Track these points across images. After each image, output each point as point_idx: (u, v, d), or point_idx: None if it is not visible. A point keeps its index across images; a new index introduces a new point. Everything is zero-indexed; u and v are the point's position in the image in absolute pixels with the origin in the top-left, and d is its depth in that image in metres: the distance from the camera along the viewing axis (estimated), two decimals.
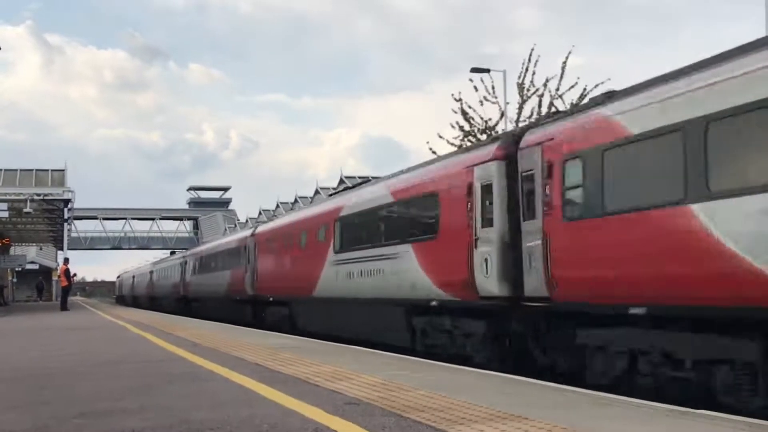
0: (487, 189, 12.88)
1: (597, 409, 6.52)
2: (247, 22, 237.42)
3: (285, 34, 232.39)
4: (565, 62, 30.86)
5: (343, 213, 19.66)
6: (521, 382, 8.52)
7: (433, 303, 14.46)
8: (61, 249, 54.15)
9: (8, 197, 41.45)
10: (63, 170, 44.85)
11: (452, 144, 32.61)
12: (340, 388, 7.52)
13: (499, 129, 31.48)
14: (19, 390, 8.00)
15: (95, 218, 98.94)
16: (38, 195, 42.01)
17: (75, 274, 48.68)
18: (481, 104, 31.53)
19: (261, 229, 29.01)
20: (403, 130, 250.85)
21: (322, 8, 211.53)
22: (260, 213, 65.90)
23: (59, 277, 41.09)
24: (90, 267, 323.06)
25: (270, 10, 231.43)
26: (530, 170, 11.71)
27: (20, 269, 71.56)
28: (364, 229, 18.21)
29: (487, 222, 12.77)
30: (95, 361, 11.01)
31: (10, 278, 68.87)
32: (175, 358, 11.18)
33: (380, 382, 8.02)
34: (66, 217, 45.85)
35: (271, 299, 25.49)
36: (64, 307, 36.74)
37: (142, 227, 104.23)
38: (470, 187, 13.32)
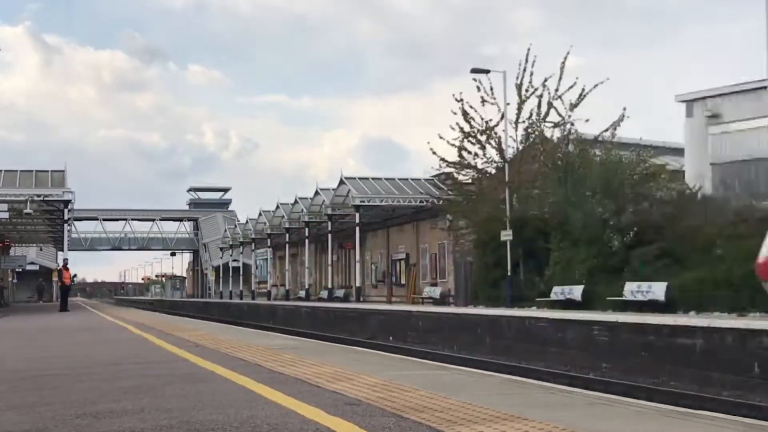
0: None
1: (595, 409, 6.53)
2: (246, 22, 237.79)
3: (285, 35, 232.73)
4: (563, 63, 30.88)
5: None
6: (520, 383, 8.53)
7: None
8: (62, 250, 54.22)
9: (8, 198, 41.45)
10: (63, 171, 44.87)
11: (452, 145, 32.64)
12: (341, 388, 7.53)
13: (499, 130, 31.51)
14: (18, 391, 8.01)
15: (95, 219, 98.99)
16: (38, 196, 42.01)
17: (75, 275, 48.64)
18: (483, 104, 31.54)
19: None
20: (402, 130, 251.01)
21: (323, 8, 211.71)
22: (260, 214, 66.01)
23: (58, 278, 41.13)
24: (90, 268, 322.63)
25: (270, 10, 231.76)
26: None
27: (20, 270, 71.53)
28: None
29: None
30: (95, 362, 11.02)
31: (10, 279, 68.83)
32: (175, 359, 11.19)
33: (381, 382, 8.03)
34: (66, 217, 45.89)
35: None
36: (63, 308, 36.76)
37: (142, 228, 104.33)
38: None
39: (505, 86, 30.52)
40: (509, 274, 29.04)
